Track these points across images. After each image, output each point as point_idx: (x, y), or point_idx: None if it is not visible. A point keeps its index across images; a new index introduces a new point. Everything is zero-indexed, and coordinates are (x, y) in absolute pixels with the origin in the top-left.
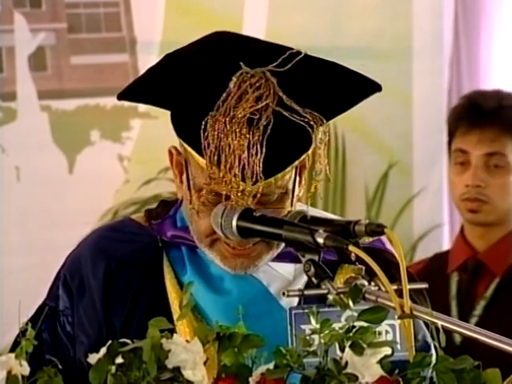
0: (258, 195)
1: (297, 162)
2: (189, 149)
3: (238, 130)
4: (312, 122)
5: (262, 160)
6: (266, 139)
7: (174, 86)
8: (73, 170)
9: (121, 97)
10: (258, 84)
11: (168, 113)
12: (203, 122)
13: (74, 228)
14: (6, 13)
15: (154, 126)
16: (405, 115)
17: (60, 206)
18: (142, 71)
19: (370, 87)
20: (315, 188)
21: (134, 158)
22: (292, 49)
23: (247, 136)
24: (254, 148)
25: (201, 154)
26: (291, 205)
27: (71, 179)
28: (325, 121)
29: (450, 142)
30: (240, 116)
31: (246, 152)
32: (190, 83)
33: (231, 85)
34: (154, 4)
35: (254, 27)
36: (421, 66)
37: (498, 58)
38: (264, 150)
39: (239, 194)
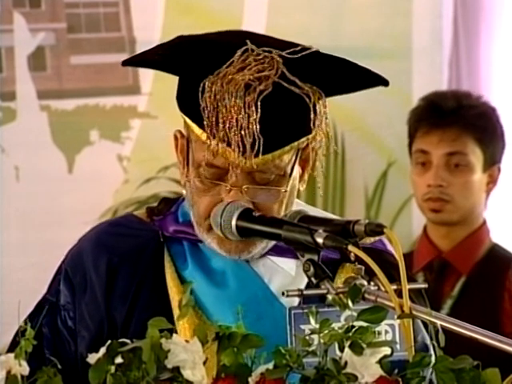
0: (254, 171)
1: (296, 143)
2: (189, 121)
3: (234, 92)
4: (310, 94)
5: (257, 121)
6: (265, 109)
7: (180, 56)
8: (72, 170)
9: (126, 62)
10: (262, 60)
11: (168, 112)
12: (201, 85)
13: (73, 227)
14: (5, 13)
15: (153, 126)
16: (404, 115)
17: (59, 206)
18: (141, 71)
19: (375, 79)
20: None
21: (134, 157)
22: (304, 45)
23: (242, 97)
24: (250, 109)
25: (199, 125)
26: (287, 186)
27: (71, 179)
28: (323, 95)
29: (410, 144)
30: (239, 79)
31: (242, 113)
32: (195, 56)
33: (235, 57)
34: (154, 4)
35: (254, 27)
36: (421, 65)
37: (497, 58)
38: (259, 111)
39: (235, 168)
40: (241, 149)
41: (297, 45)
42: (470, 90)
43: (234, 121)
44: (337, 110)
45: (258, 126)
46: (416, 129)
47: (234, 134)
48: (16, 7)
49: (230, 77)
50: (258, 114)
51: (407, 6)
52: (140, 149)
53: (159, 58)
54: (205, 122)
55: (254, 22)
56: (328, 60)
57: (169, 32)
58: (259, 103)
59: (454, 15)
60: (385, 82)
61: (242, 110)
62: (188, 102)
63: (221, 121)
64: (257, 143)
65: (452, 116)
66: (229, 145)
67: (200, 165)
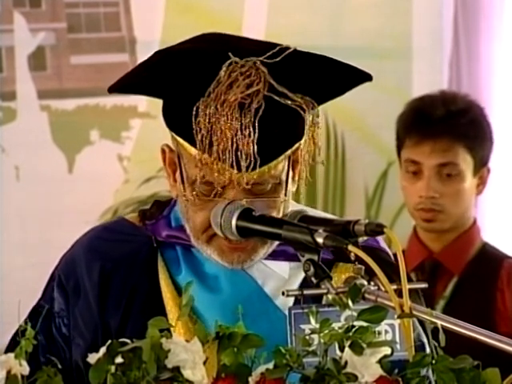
0: (250, 185)
1: (289, 151)
2: (180, 141)
3: (229, 113)
4: (304, 106)
5: (255, 142)
6: (259, 124)
7: (164, 77)
8: (72, 170)
9: (112, 89)
10: (248, 72)
11: None
12: (194, 108)
13: (73, 227)
14: (5, 12)
15: (153, 126)
16: None
17: (60, 206)
18: None
19: (360, 76)
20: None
21: (134, 157)
22: (281, 44)
23: (239, 119)
24: (247, 130)
25: (192, 144)
26: (285, 195)
27: (71, 179)
28: (316, 104)
29: (399, 149)
30: (231, 100)
31: (238, 134)
32: (179, 74)
33: (221, 73)
34: (154, 4)
35: (254, 27)
36: (421, 65)
37: (497, 58)
38: (257, 131)
39: (231, 184)
40: (235, 167)
41: (274, 45)
42: (470, 90)
43: (230, 142)
44: (337, 110)
45: (255, 146)
46: (404, 137)
47: (229, 155)
48: (16, 7)
49: (222, 98)
50: (256, 135)
51: (407, 5)
52: (140, 148)
53: (142, 80)
54: (197, 144)
55: (254, 22)
56: (309, 61)
57: (169, 32)
58: (257, 124)
59: (454, 15)
60: (369, 77)
61: (239, 131)
62: (178, 120)
63: (215, 142)
64: (252, 161)
65: (442, 125)
66: (225, 163)
67: (194, 181)
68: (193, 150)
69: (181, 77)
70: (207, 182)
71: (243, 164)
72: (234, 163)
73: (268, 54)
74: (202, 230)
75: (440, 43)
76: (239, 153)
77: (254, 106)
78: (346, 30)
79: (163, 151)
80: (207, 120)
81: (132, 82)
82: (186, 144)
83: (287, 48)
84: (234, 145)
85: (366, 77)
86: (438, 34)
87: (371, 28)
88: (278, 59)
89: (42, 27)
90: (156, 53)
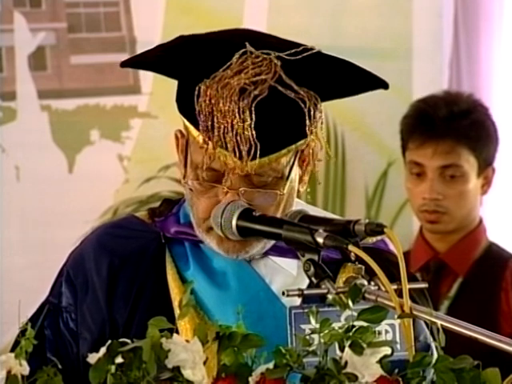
0: (251, 174)
1: (293, 147)
2: (187, 123)
3: (228, 96)
4: (306, 99)
5: (251, 126)
6: (260, 112)
7: (178, 57)
8: (73, 170)
9: (125, 64)
10: (260, 63)
11: (168, 112)
12: (197, 88)
13: (74, 227)
14: (5, 12)
15: (153, 126)
16: None
17: (60, 206)
18: (141, 71)
19: (375, 82)
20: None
21: (134, 157)
22: (307, 45)
23: (237, 102)
24: (244, 114)
25: (196, 127)
26: (284, 189)
27: (71, 179)
28: (319, 99)
29: (403, 151)
30: (234, 84)
31: (236, 118)
32: (194, 57)
33: (233, 60)
34: (154, 4)
35: (254, 27)
36: (421, 65)
37: (497, 58)
38: (253, 116)
39: (232, 171)
40: (237, 153)
41: (299, 45)
42: (470, 90)
43: (229, 126)
44: (337, 110)
45: (253, 132)
46: (408, 139)
47: (229, 139)
48: (16, 7)
49: (225, 81)
50: (253, 120)
51: (407, 5)
52: (140, 148)
53: (157, 59)
54: (200, 126)
55: (255, 22)
56: (327, 62)
57: (169, 32)
58: (253, 108)
59: (454, 15)
60: (385, 85)
61: (237, 114)
62: (186, 103)
63: (216, 125)
64: (253, 148)
65: (444, 127)
66: (225, 148)
67: (198, 166)
68: (197, 134)
69: (195, 60)
70: (209, 168)
71: (243, 150)
72: (236, 149)
73: (289, 51)
74: (204, 217)
75: (440, 43)
76: (239, 138)
77: (255, 92)
78: (346, 30)
79: (176, 137)
80: (208, 101)
81: (147, 59)
82: (191, 127)
83: (311, 49)
84: (234, 128)
85: (381, 84)
86: (438, 34)
87: (371, 28)
88: (295, 57)
89: (42, 27)
90: (179, 36)
